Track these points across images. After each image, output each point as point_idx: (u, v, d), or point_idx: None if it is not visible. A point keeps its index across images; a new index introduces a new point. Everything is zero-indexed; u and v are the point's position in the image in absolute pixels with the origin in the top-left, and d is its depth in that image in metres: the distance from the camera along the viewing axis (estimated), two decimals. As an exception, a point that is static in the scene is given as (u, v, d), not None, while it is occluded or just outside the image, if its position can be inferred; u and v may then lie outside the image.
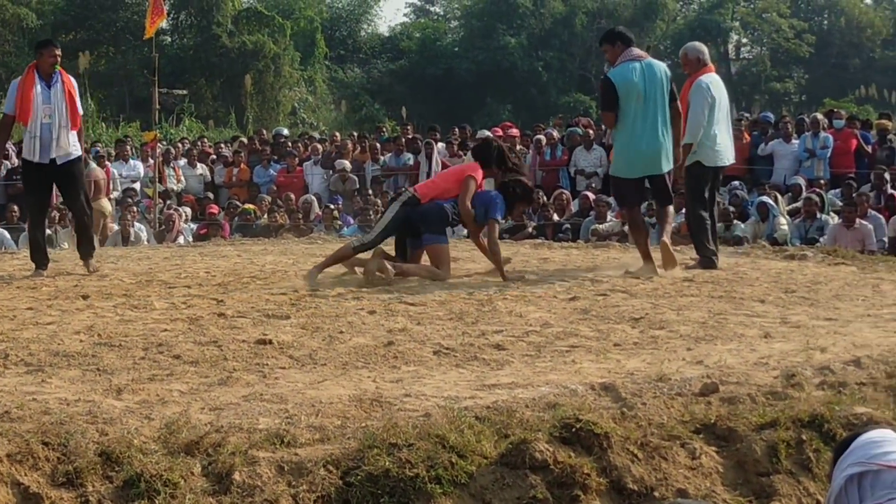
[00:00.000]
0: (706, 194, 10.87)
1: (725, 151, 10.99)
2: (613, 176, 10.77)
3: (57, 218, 17.25)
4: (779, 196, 17.14)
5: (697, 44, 11.44)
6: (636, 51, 10.44)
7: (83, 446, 4.59)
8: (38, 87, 10.54)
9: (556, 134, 20.66)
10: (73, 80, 10.94)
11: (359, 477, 4.56)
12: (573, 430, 4.95)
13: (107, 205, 18.23)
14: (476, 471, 4.70)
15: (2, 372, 6.06)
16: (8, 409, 5.06)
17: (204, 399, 5.42)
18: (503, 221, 9.96)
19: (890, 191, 16.75)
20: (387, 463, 4.60)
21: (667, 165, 10.43)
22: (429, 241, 9.89)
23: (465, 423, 4.94)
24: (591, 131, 19.83)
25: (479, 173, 10.17)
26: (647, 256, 10.26)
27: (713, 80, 10.89)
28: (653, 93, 10.23)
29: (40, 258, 10.70)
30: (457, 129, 22.67)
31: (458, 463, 4.68)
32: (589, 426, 4.95)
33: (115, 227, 17.74)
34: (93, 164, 17.66)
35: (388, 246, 10.24)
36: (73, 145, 10.67)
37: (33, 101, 10.50)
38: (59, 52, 10.77)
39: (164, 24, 22.73)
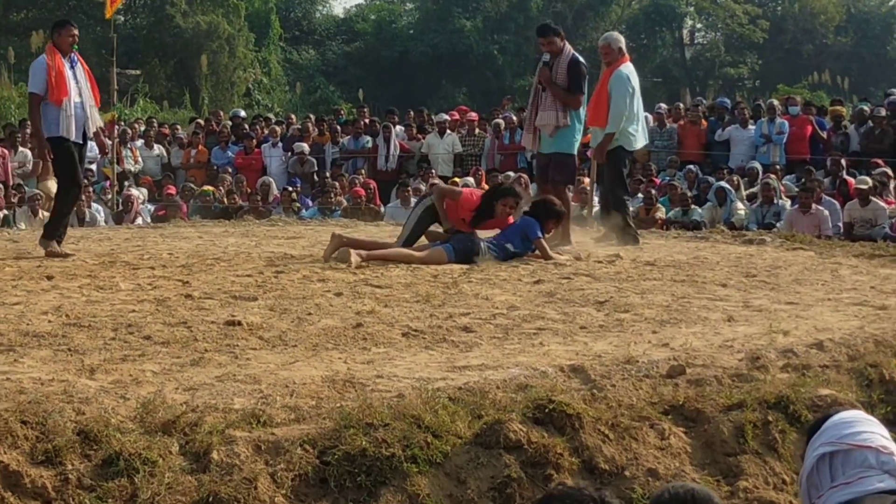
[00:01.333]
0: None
1: (644, 134, 11.91)
2: (568, 154, 11.26)
3: (17, 199, 17.12)
4: (740, 181, 17.34)
5: (616, 34, 12.24)
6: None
7: (61, 425, 4.61)
8: (66, 65, 10.49)
9: (514, 117, 20.71)
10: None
11: (336, 456, 4.61)
12: (546, 410, 5.02)
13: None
14: (451, 450, 4.77)
15: (-28, 352, 6.04)
16: (-18, 389, 5.06)
17: (177, 379, 5.45)
18: (546, 236, 10.23)
19: (845, 176, 16.95)
20: (363, 442, 4.65)
21: None
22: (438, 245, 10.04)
23: (438, 404, 5.00)
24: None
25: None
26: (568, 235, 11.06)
27: (631, 70, 11.56)
28: None
29: (62, 232, 10.84)
30: (412, 113, 22.74)
31: (433, 443, 4.74)
32: (561, 407, 5.03)
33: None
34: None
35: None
36: None
37: (67, 79, 10.42)
38: (76, 31, 10.77)
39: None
